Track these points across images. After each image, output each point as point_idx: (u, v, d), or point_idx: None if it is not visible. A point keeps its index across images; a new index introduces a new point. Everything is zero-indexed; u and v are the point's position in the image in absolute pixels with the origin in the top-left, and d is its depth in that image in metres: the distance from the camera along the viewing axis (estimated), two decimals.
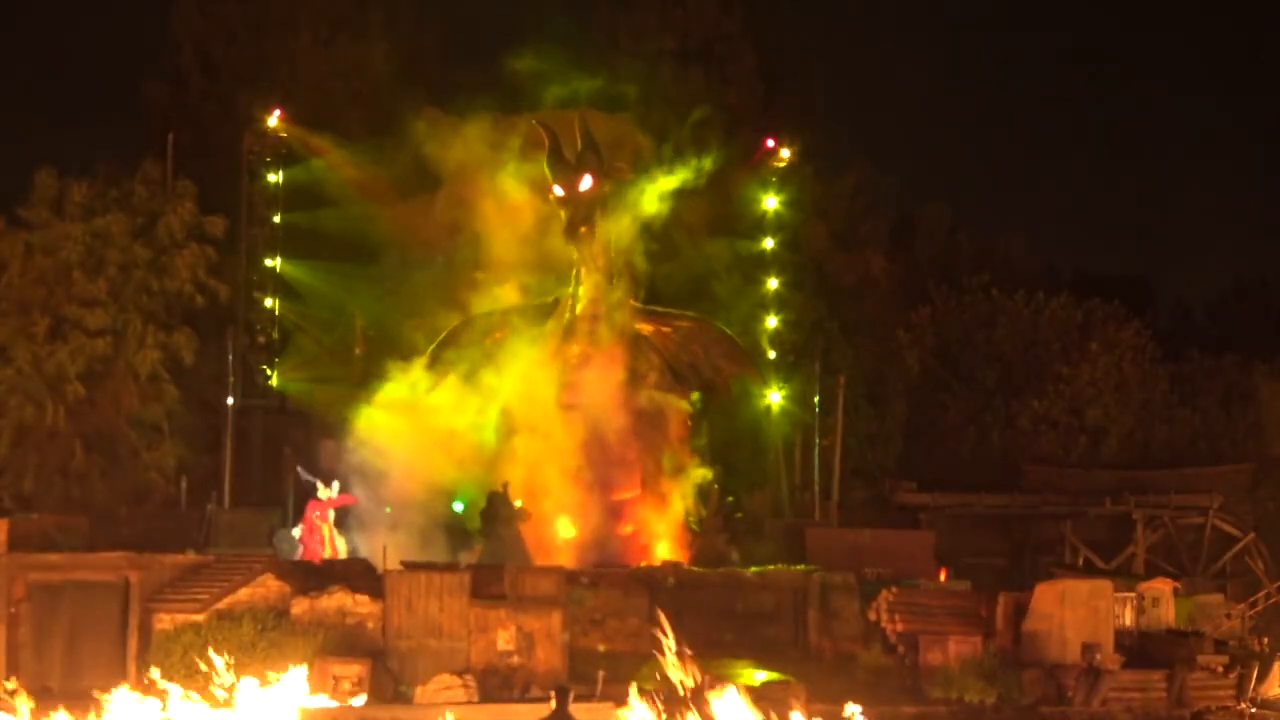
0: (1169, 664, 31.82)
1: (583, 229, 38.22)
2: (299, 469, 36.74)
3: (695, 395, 39.70)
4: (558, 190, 38.17)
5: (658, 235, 40.43)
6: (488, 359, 38.29)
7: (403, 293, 40.58)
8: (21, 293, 38.71)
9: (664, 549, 37.74)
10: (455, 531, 37.16)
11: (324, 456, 37.36)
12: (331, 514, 35.86)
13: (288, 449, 38.61)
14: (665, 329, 39.78)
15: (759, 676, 30.16)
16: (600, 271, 38.56)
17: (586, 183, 38.22)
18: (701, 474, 38.56)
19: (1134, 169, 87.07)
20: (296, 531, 35.86)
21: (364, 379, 38.56)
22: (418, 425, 37.04)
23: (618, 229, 38.79)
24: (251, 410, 40.37)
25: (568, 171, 38.18)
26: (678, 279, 41.98)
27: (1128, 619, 33.38)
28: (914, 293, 51.76)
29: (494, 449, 37.96)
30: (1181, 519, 46.80)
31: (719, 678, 29.22)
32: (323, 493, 35.76)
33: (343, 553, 35.53)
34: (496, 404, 38.22)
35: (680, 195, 39.88)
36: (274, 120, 41.07)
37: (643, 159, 39.72)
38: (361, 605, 30.15)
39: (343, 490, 36.07)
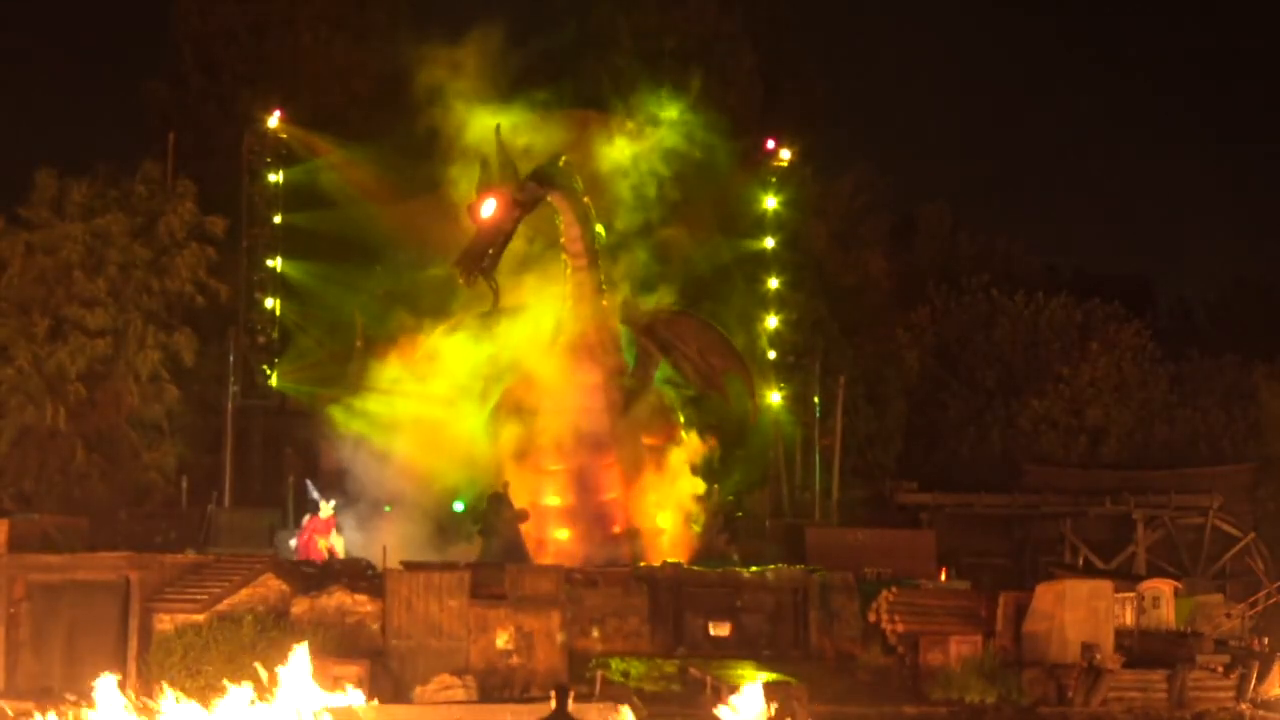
0: (1169, 664, 31.81)
1: (469, 261, 35.79)
2: (308, 483, 36.61)
3: (673, 391, 39.59)
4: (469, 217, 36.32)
5: (657, 232, 40.45)
6: (487, 357, 38.24)
7: (403, 293, 40.54)
8: (21, 293, 38.73)
9: (661, 548, 37.68)
10: (452, 528, 37.17)
11: (324, 456, 37.35)
12: (333, 531, 35.85)
13: (288, 449, 38.60)
14: (658, 326, 39.62)
15: (759, 677, 30.13)
16: (587, 271, 38.44)
17: (488, 208, 35.94)
18: (697, 473, 38.54)
19: (1134, 169, 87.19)
20: (293, 542, 35.84)
21: (364, 379, 38.51)
22: (417, 421, 37.12)
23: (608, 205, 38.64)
24: (251, 410, 40.36)
25: (476, 195, 35.79)
26: (678, 279, 41.93)
27: (1128, 619, 33.36)
28: (914, 293, 51.78)
29: (487, 449, 37.96)
30: (1181, 519, 46.81)
31: (719, 679, 29.40)
32: (324, 510, 35.65)
33: (342, 552, 35.52)
34: (491, 402, 38.26)
35: (678, 192, 39.91)
36: (274, 120, 41.05)
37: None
38: (361, 605, 30.17)
39: (340, 490, 36.07)
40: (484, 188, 35.97)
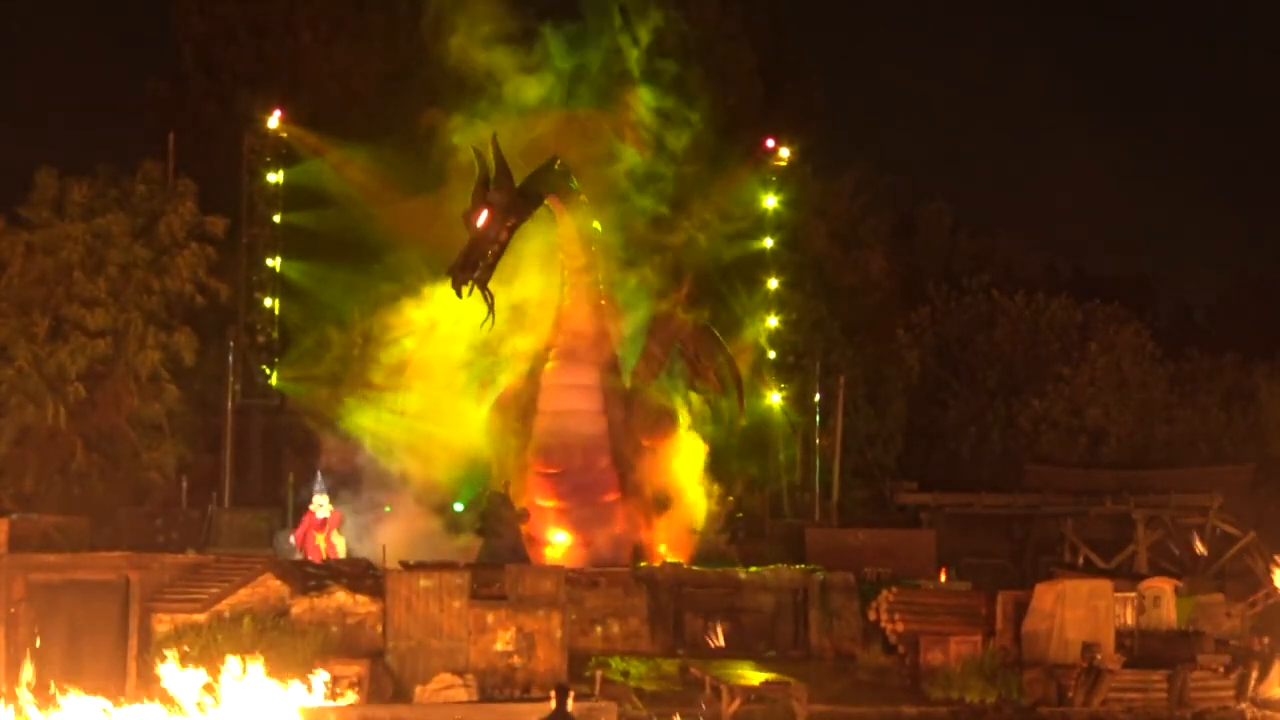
0: (1170, 664, 31.80)
1: (461, 270, 35.39)
2: (320, 475, 36.18)
3: (673, 391, 39.61)
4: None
5: (656, 233, 40.48)
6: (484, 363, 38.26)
7: (402, 293, 40.52)
8: (21, 293, 38.73)
9: (660, 549, 37.67)
10: (452, 527, 37.17)
11: (324, 456, 37.34)
12: (333, 532, 35.76)
13: (288, 449, 38.57)
14: (657, 327, 39.54)
15: (759, 677, 30.15)
16: (584, 271, 38.37)
17: (483, 218, 35.62)
18: (695, 472, 38.53)
19: (1134, 169, 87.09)
20: (292, 538, 35.80)
21: (364, 378, 38.52)
22: (416, 421, 37.14)
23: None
24: (251, 410, 40.38)
25: (471, 204, 35.49)
26: (677, 279, 41.89)
27: (1128, 619, 33.34)
28: (914, 293, 51.81)
29: (487, 449, 37.96)
30: (1181, 519, 46.75)
31: (719, 679, 29.40)
32: (317, 508, 35.37)
33: (342, 552, 35.51)
34: (491, 396, 38.30)
35: (678, 190, 39.92)
36: (274, 120, 41.02)
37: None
38: (361, 605, 30.13)
39: (333, 498, 35.87)
40: (478, 196, 35.69)
